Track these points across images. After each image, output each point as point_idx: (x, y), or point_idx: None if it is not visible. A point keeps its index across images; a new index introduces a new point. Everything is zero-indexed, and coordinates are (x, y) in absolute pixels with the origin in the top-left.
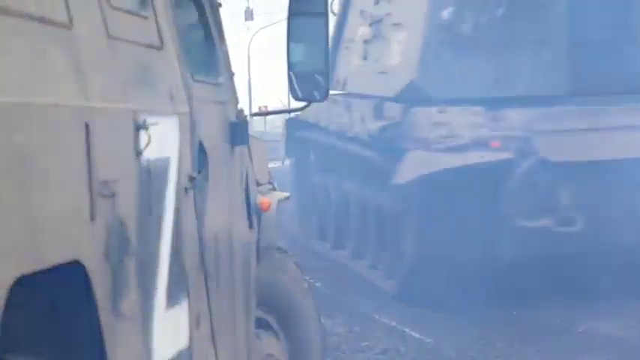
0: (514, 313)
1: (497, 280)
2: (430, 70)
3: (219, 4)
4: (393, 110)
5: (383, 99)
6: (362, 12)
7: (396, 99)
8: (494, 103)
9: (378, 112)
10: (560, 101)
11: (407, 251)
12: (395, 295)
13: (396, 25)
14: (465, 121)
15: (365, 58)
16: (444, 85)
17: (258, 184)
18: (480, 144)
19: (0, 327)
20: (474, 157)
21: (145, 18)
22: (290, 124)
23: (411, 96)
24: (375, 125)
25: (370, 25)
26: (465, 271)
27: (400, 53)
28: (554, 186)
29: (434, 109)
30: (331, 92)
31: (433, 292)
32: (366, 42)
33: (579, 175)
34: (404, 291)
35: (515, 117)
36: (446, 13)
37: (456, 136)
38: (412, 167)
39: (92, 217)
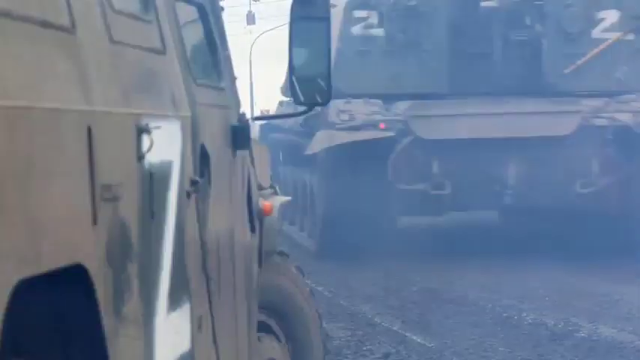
0: (515, 317)
1: (395, 234)
2: (342, 72)
3: (222, 9)
4: None
5: None
6: None
7: None
8: (390, 98)
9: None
10: (440, 98)
11: (319, 212)
12: (316, 254)
13: None
14: (363, 110)
15: None
16: (352, 83)
17: (260, 187)
18: (371, 125)
19: (2, 330)
20: (364, 135)
21: (148, 22)
22: (262, 128)
23: None
24: (304, 117)
25: None
26: (366, 228)
27: None
28: (427, 158)
29: (341, 101)
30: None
31: (345, 247)
32: None
33: (446, 149)
34: (322, 249)
35: (402, 107)
36: (354, 30)
37: (354, 120)
38: (318, 142)
39: (94, 221)
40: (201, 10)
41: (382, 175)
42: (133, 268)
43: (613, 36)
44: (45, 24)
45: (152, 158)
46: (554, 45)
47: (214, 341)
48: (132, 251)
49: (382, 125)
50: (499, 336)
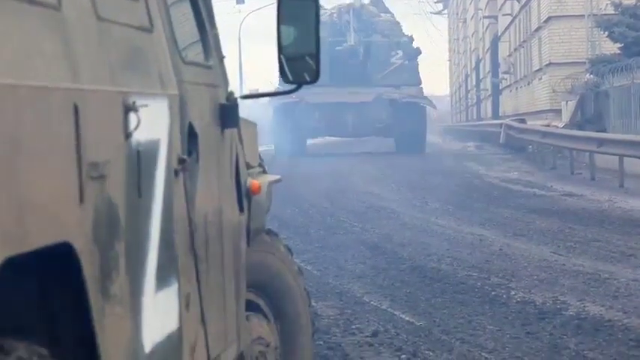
0: (503, 295)
1: (305, 147)
2: None
3: None
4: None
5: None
6: None
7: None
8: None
9: None
10: (325, 85)
11: (274, 137)
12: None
13: None
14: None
15: None
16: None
17: (248, 166)
18: (287, 97)
19: None
20: (284, 101)
21: (135, 0)
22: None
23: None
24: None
25: None
26: (295, 144)
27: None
28: (315, 114)
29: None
30: None
31: (285, 152)
32: None
33: (327, 109)
34: (276, 153)
35: (303, 89)
36: None
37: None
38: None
39: (81, 199)
40: None
41: (296, 119)
42: (120, 247)
43: (398, 62)
44: (31, 1)
45: (139, 136)
46: (375, 64)
47: (202, 320)
48: (119, 230)
49: (293, 96)
50: (487, 314)
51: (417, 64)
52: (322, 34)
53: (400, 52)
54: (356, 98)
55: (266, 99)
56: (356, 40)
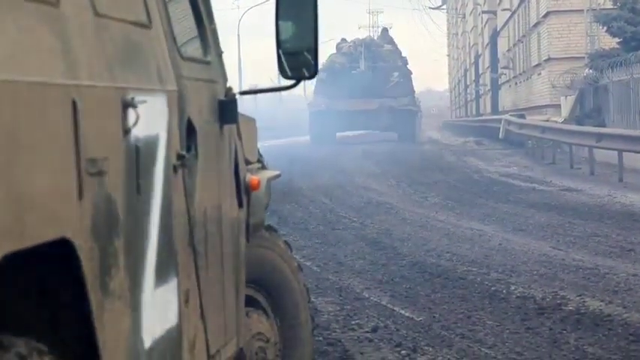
0: (503, 291)
1: (335, 138)
2: (326, 87)
3: None
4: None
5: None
6: None
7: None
8: (332, 96)
9: None
10: (346, 97)
11: (311, 132)
12: (311, 142)
13: None
14: (321, 99)
15: None
16: (323, 92)
17: (247, 162)
18: (317, 105)
19: None
20: (318, 108)
21: None
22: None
23: None
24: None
25: None
26: (327, 136)
27: None
28: (338, 117)
29: (315, 96)
30: None
31: (320, 142)
32: None
33: (346, 113)
34: (312, 143)
35: (329, 100)
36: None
37: (316, 104)
38: (309, 109)
39: (80, 195)
40: None
41: (325, 120)
42: (119, 243)
43: (396, 80)
44: None
45: (138, 132)
46: (379, 82)
47: (202, 316)
48: (118, 226)
49: (323, 105)
50: (487, 309)
51: (410, 80)
52: (342, 60)
53: (397, 73)
54: (366, 106)
55: (304, 106)
56: (365, 66)
